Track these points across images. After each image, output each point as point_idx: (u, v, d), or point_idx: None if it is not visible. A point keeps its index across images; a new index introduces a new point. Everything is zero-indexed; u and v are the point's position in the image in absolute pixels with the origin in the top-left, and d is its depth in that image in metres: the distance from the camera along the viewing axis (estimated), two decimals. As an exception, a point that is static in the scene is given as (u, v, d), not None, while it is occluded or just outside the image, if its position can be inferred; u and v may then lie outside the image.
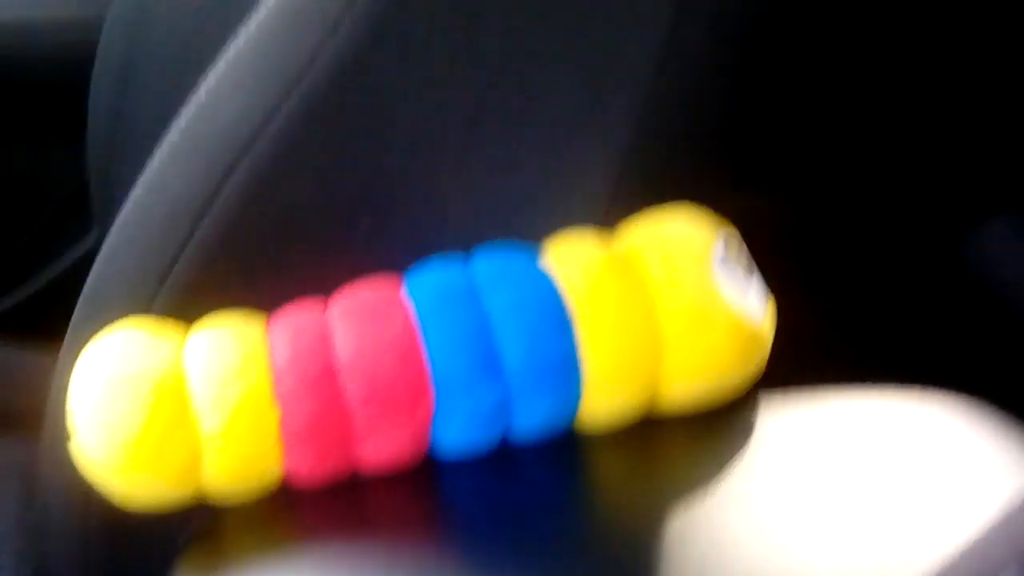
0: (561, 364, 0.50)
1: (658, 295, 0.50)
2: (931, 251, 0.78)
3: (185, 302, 0.52)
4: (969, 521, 0.42)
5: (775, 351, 0.53)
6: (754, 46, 0.60)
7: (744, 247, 0.53)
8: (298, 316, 0.50)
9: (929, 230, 0.81)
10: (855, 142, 0.83)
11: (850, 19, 0.77)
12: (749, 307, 0.51)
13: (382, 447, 0.50)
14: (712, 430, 0.53)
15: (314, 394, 0.48)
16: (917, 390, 0.52)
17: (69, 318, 0.56)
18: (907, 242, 0.83)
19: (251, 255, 0.52)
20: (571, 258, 0.51)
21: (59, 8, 0.94)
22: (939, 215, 0.81)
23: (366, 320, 0.49)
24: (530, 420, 0.51)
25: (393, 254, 0.52)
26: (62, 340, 0.56)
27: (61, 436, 0.49)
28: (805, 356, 0.56)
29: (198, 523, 0.51)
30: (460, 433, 0.50)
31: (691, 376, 0.51)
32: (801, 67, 0.78)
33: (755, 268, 0.53)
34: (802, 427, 0.52)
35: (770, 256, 0.55)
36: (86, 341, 0.50)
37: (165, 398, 0.48)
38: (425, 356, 0.49)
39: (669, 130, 0.56)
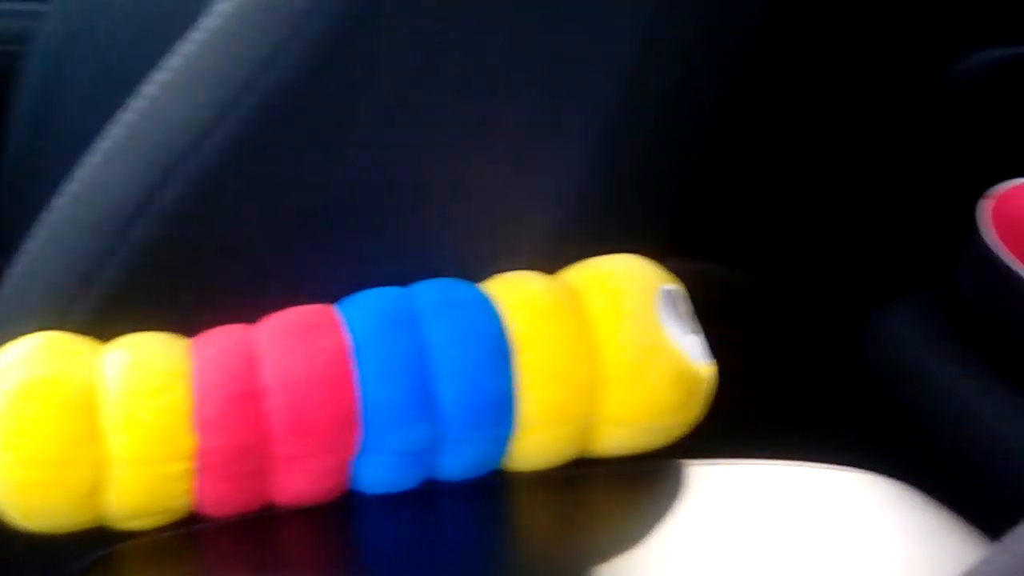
0: (497, 401, 0.47)
1: (601, 331, 0.49)
2: (843, 325, 0.80)
3: (107, 314, 0.48)
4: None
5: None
6: (702, 116, 0.60)
7: (690, 305, 0.53)
8: (225, 336, 0.47)
9: (843, 306, 0.82)
10: (784, 218, 0.84)
11: (787, 107, 0.79)
12: (693, 352, 0.50)
13: (302, 478, 0.47)
14: (639, 482, 0.52)
15: (237, 420, 0.45)
16: (832, 462, 0.52)
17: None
18: (823, 315, 0.85)
19: (181, 269, 0.49)
20: (514, 290, 0.49)
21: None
22: (852, 292, 0.82)
23: (297, 341, 0.46)
24: (460, 458, 0.49)
25: (330, 283, 0.49)
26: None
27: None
28: (729, 419, 0.56)
29: (93, 551, 0.48)
30: (386, 468, 0.48)
31: (630, 417, 0.49)
32: (741, 147, 0.79)
33: (699, 328, 0.52)
34: (727, 488, 0.51)
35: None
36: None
37: (73, 412, 0.44)
38: (356, 384, 0.46)
39: (613, 191, 0.55)
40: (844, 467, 0.52)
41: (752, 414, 0.68)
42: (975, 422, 0.66)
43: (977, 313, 0.69)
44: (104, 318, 0.48)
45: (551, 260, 0.52)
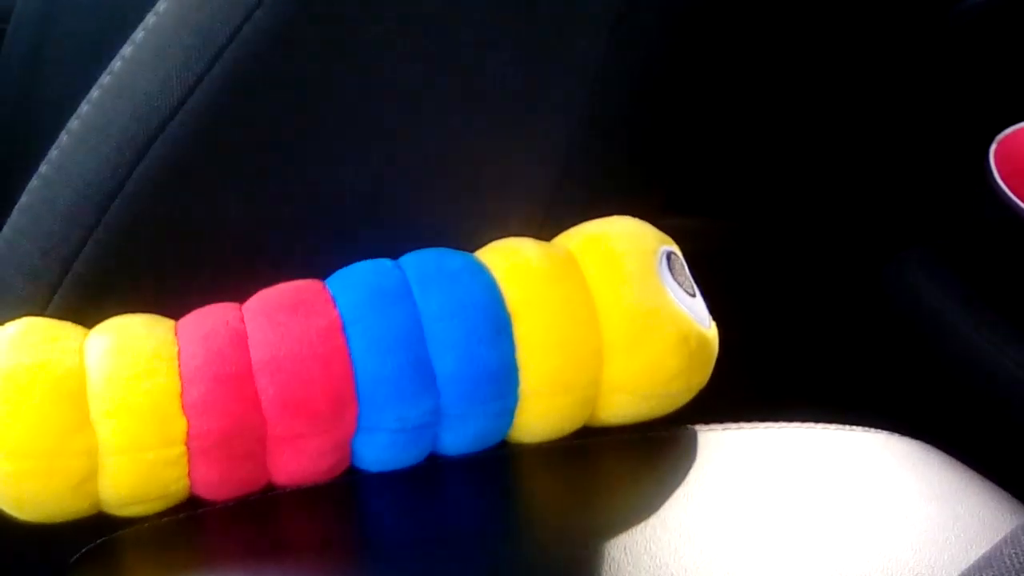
0: (497, 372, 0.46)
1: (601, 296, 0.47)
2: (851, 279, 0.79)
3: (88, 298, 0.47)
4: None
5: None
6: (694, 65, 0.58)
7: (686, 266, 0.51)
8: (211, 315, 0.46)
9: (849, 259, 0.81)
10: (785, 169, 0.83)
11: (783, 51, 0.78)
12: (696, 313, 0.49)
13: (299, 458, 0.46)
14: (649, 449, 0.50)
15: (227, 401, 0.44)
16: (844, 421, 0.51)
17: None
18: (830, 269, 0.84)
19: (162, 249, 0.48)
20: (509, 258, 0.48)
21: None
22: (859, 244, 0.81)
23: (286, 317, 0.45)
24: (462, 432, 0.48)
25: (318, 256, 0.48)
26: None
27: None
28: (735, 381, 0.54)
29: (93, 538, 0.47)
30: (386, 446, 0.47)
31: (634, 384, 0.48)
32: (736, 95, 0.78)
33: (697, 288, 0.51)
34: (739, 453, 0.50)
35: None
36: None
37: (61, 399, 0.43)
38: (350, 359, 0.45)
39: (604, 150, 0.53)
40: (858, 427, 0.51)
41: (760, 374, 0.66)
42: (994, 369, 0.66)
43: (990, 259, 0.68)
44: (86, 302, 0.47)
45: (545, 226, 0.51)
